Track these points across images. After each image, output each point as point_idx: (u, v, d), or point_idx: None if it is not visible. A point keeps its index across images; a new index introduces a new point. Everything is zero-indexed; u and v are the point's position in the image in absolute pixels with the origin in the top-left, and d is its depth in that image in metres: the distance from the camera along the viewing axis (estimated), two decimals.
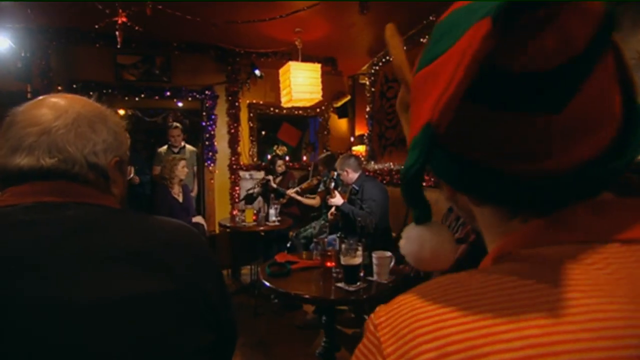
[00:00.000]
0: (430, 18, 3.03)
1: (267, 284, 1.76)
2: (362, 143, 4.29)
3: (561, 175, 0.29)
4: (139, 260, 0.56)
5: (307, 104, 3.48)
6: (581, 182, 0.30)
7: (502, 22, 0.26)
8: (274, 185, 3.85)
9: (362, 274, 1.76)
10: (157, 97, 3.70)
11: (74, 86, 3.46)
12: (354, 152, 4.48)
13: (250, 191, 3.85)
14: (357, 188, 3.00)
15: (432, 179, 2.95)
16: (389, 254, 1.81)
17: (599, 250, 0.27)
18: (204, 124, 3.85)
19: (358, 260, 1.68)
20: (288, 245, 3.35)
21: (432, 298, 0.29)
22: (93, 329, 0.50)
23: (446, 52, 0.30)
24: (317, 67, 3.24)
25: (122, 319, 0.51)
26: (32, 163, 0.58)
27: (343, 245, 1.72)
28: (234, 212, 3.67)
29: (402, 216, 3.40)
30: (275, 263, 2.02)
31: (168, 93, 3.69)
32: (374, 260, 1.77)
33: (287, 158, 4.45)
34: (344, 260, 1.68)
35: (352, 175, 3.03)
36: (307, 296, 1.66)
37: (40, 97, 0.65)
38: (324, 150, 4.53)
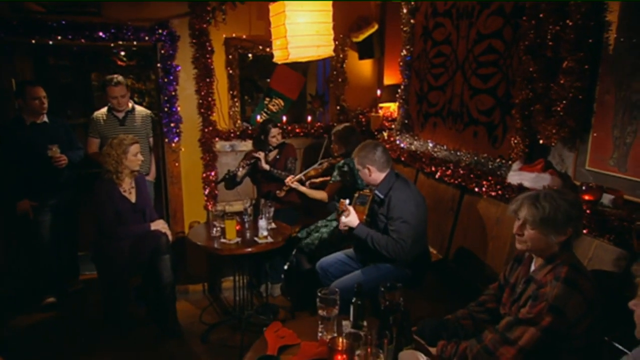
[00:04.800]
0: None
1: None
2: (393, 99, 3.80)
3: None
4: None
5: (313, 59, 2.92)
6: None
7: None
8: (266, 167, 3.52)
9: None
10: (82, 40, 3.16)
11: None
12: (382, 111, 4.01)
13: (232, 172, 3.52)
14: (381, 196, 2.62)
15: (499, 190, 2.57)
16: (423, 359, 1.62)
17: None
18: (161, 81, 3.34)
19: None
20: (286, 267, 3.11)
21: None
22: None
23: None
24: (328, 4, 2.62)
25: None
26: None
27: (357, 353, 1.58)
28: (209, 207, 3.37)
29: (448, 228, 3.06)
30: (265, 357, 1.82)
31: (101, 33, 3.14)
32: None
33: (285, 119, 4.02)
34: None
35: (376, 176, 2.64)
36: None
37: None
38: (337, 108, 4.10)
